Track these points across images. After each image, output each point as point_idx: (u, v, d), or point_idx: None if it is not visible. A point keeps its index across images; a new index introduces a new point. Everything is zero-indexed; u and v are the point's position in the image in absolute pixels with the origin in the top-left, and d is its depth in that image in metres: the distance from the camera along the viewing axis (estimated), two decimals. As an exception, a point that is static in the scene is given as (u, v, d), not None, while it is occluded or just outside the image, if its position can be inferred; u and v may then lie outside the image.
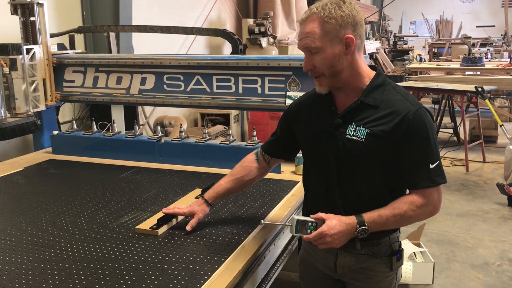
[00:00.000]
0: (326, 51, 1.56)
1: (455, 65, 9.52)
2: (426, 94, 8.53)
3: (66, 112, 4.09)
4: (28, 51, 2.92)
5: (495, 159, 6.52)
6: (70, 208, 2.16)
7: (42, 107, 3.08)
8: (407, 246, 3.56)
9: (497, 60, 10.48)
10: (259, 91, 2.77)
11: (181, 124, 3.48)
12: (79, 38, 4.18)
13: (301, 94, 2.58)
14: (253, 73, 2.78)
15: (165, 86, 2.97)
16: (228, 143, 2.77)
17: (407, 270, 3.34)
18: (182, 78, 2.93)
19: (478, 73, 9.02)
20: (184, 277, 1.54)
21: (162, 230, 1.87)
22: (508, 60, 9.47)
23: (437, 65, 9.87)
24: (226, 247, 1.75)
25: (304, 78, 2.65)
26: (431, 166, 1.57)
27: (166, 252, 1.71)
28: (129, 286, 1.49)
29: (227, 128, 5.68)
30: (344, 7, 1.54)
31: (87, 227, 1.94)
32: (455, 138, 7.21)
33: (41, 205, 2.20)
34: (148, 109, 5.28)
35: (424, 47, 15.04)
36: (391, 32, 16.18)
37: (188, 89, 2.92)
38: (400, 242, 1.76)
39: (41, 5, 3.01)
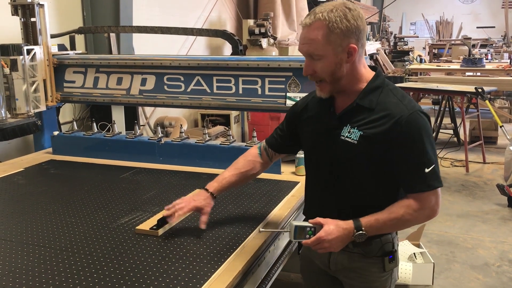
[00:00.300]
0: (328, 59, 1.55)
1: (455, 66, 9.52)
2: (426, 95, 8.54)
3: (67, 113, 4.09)
4: (28, 51, 2.92)
5: (495, 160, 6.52)
6: (71, 209, 2.16)
7: (42, 108, 3.08)
8: (407, 247, 3.56)
9: (497, 61, 10.48)
10: (259, 92, 2.78)
11: (181, 125, 3.48)
12: (79, 39, 4.19)
13: (301, 95, 2.60)
14: (253, 74, 2.78)
15: (165, 87, 2.98)
16: (228, 143, 2.77)
17: (407, 271, 3.34)
18: (182, 78, 2.94)
19: (478, 74, 9.02)
20: (184, 277, 1.54)
21: (162, 230, 1.87)
22: (508, 61, 9.47)
23: (437, 66, 9.86)
24: (226, 247, 1.75)
25: (304, 79, 2.65)
26: (427, 170, 1.55)
27: (166, 253, 1.71)
28: (129, 286, 1.49)
29: (227, 128, 5.69)
30: (350, 15, 1.52)
31: (87, 228, 1.94)
32: (455, 139, 7.21)
33: (41, 206, 2.20)
34: (148, 109, 5.29)
35: (424, 48, 15.04)
36: (391, 33, 16.19)
37: (189, 89, 2.93)
38: (394, 243, 1.74)
39: (41, 5, 3.01)
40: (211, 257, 1.67)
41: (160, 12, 5.66)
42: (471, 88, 6.26)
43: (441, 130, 7.25)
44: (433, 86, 7.04)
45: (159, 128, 3.06)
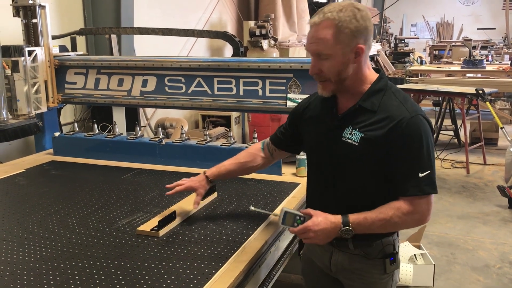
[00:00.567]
0: (336, 59, 1.55)
1: (455, 67, 9.51)
2: (427, 97, 8.54)
3: (68, 114, 4.10)
4: (30, 53, 2.93)
5: (496, 161, 6.52)
6: (72, 210, 2.16)
7: (43, 109, 3.09)
8: (408, 248, 3.56)
9: (497, 62, 10.48)
10: (260, 93, 2.78)
11: (182, 126, 3.48)
12: (80, 40, 4.19)
13: (302, 96, 2.60)
14: (254, 75, 2.78)
15: (166, 88, 2.99)
16: (229, 145, 2.77)
17: (407, 272, 3.34)
18: (183, 80, 2.94)
19: (479, 75, 9.02)
20: (185, 278, 1.54)
21: (163, 231, 1.88)
22: (509, 62, 9.46)
23: (438, 67, 9.86)
24: (227, 248, 1.75)
25: (305, 80, 2.66)
26: (421, 175, 1.54)
27: (167, 254, 1.71)
28: (130, 287, 1.49)
29: (228, 130, 5.69)
30: (359, 15, 1.52)
31: (88, 229, 1.95)
32: (455, 140, 7.21)
33: (42, 207, 2.20)
34: (149, 111, 5.29)
35: (425, 50, 15.02)
36: (392, 34, 16.17)
37: (189, 91, 2.93)
38: (395, 245, 1.73)
39: (43, 7, 3.02)
40: (212, 258, 1.68)
41: (161, 13, 5.67)
42: (471, 90, 6.25)
43: (441, 132, 7.25)
44: (434, 87, 7.05)
45: (160, 129, 3.07)
